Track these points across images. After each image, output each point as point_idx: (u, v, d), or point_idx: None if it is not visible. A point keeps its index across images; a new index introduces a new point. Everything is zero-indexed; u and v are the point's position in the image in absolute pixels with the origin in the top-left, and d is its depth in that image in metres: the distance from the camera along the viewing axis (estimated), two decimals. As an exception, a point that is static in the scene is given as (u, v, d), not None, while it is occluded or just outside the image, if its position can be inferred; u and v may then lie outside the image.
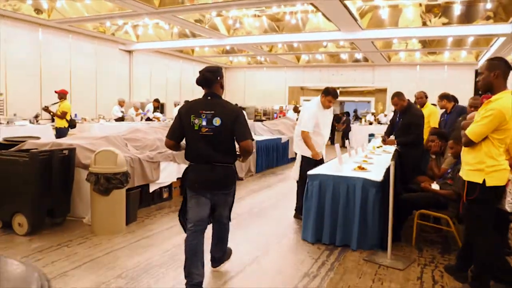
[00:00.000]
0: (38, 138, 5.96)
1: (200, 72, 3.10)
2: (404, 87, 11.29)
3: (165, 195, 6.03)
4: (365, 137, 14.21)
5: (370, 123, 17.07)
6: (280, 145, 10.20)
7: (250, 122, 8.34)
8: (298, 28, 12.39)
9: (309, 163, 5.06)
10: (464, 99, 6.36)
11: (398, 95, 5.62)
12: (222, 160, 3.00)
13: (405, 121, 5.61)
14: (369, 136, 12.32)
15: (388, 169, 4.18)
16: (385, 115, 16.81)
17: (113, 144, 5.32)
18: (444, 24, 10.90)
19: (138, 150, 5.70)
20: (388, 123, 6.89)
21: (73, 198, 4.84)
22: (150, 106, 13.22)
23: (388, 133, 6.30)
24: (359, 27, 11.13)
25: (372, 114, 17.56)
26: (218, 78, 3.06)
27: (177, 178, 6.04)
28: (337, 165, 4.72)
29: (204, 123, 2.92)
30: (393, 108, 6.01)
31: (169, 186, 6.09)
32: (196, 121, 2.93)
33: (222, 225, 3.35)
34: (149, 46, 14.73)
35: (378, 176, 4.29)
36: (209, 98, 3.02)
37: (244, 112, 3.42)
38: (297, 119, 7.76)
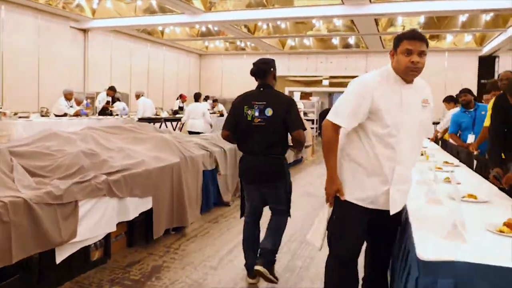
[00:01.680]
0: None
1: (254, 63, 3.18)
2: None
3: (96, 255, 3.39)
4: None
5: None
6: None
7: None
8: (291, 1, 10.20)
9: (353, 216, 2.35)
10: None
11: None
12: (272, 152, 3.05)
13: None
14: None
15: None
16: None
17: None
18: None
19: (38, 176, 3.03)
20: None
21: None
22: (102, 96, 10.51)
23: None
24: (367, -1, 9.04)
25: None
26: (272, 69, 3.15)
27: (120, 223, 3.53)
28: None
29: (256, 113, 3.01)
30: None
31: (106, 238, 3.47)
32: (249, 112, 3.03)
33: (276, 218, 3.22)
34: (108, 23, 12.14)
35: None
36: (261, 89, 3.12)
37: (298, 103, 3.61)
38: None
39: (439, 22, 12.15)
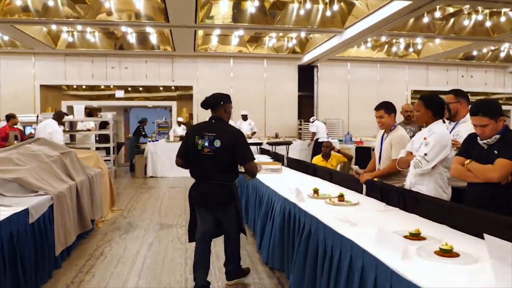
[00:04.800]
0: None
1: (206, 97, 3.42)
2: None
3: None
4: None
5: (181, 139, 11.49)
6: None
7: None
8: None
9: None
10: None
11: None
12: (220, 179, 3.28)
13: None
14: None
15: None
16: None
17: None
18: None
19: None
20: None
21: None
22: None
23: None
24: None
25: (181, 123, 12.04)
26: (222, 103, 3.35)
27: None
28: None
29: (206, 143, 3.22)
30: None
31: None
32: (200, 141, 3.24)
33: (230, 239, 3.55)
34: None
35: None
36: (213, 121, 3.36)
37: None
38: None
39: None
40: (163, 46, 12.35)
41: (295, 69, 13.69)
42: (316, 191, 3.68)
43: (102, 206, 5.68)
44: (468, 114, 3.30)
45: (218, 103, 3.35)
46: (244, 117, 11.86)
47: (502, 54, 13.75)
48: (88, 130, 9.13)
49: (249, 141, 11.46)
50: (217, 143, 3.20)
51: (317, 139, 11.34)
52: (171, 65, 13.10)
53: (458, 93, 3.56)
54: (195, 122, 13.05)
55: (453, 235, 2.40)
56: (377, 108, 3.92)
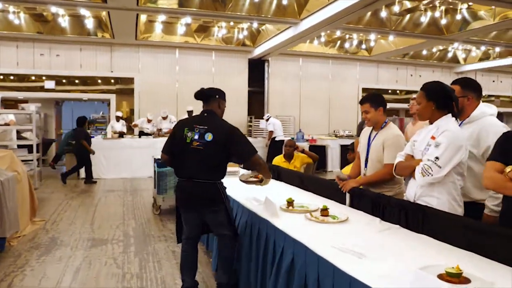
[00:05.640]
0: None
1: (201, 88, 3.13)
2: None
3: None
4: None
5: (121, 135, 10.38)
6: None
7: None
8: None
9: None
10: None
11: None
12: (207, 177, 2.91)
13: None
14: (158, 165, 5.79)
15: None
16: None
17: None
18: None
19: None
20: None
21: None
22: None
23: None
24: None
25: (120, 118, 10.84)
26: (217, 96, 3.08)
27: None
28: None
29: (196, 136, 2.90)
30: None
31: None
32: (189, 134, 2.93)
33: (222, 242, 3.03)
34: None
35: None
36: (205, 114, 3.04)
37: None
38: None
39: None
40: (101, 32, 11.09)
41: (245, 63, 12.96)
42: (290, 203, 2.95)
43: (17, 218, 4.58)
44: (475, 112, 2.70)
45: (213, 96, 3.08)
46: (190, 113, 11.00)
47: (450, 55, 13.92)
48: (7, 124, 7.76)
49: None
50: (209, 137, 2.87)
51: (274, 137, 10.69)
52: (110, 54, 11.84)
53: (467, 85, 2.72)
54: (136, 117, 11.92)
55: (497, 271, 1.76)
56: (362, 102, 3.24)
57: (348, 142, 10.52)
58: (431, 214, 2.34)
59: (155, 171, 5.98)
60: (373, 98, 3.23)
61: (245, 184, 3.24)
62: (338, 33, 11.85)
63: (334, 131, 13.18)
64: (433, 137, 2.47)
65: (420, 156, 2.54)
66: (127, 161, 9.56)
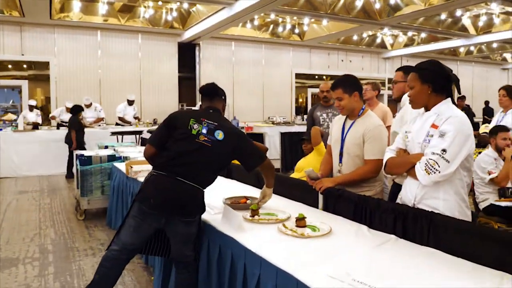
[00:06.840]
0: None
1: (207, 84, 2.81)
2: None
3: None
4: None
5: (35, 127, 9.25)
6: None
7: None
8: None
9: None
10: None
11: None
12: (199, 180, 2.41)
13: None
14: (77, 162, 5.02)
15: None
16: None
17: None
18: None
19: None
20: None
21: None
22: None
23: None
24: None
25: (34, 108, 9.61)
26: (223, 97, 2.77)
27: None
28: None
29: (204, 131, 2.46)
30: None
31: None
32: (196, 126, 2.48)
33: (181, 267, 2.45)
34: None
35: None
36: (211, 111, 2.61)
37: None
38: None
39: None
40: (8, 10, 9.71)
41: (175, 47, 12.19)
42: (255, 211, 2.48)
43: None
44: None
45: (220, 95, 2.75)
46: (131, 103, 10.21)
47: (378, 40, 14.22)
48: None
49: (127, 129, 9.96)
50: (219, 135, 2.47)
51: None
52: (20, 34, 10.46)
53: (408, 71, 2.36)
54: (53, 106, 10.72)
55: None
56: (333, 87, 2.76)
57: (286, 129, 10.29)
58: (445, 222, 1.93)
59: (77, 169, 5.20)
60: (346, 82, 2.76)
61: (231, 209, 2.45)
62: (272, 17, 11.50)
63: (270, 118, 12.92)
64: (434, 126, 2.09)
65: (418, 149, 2.16)
66: (43, 156, 8.48)
